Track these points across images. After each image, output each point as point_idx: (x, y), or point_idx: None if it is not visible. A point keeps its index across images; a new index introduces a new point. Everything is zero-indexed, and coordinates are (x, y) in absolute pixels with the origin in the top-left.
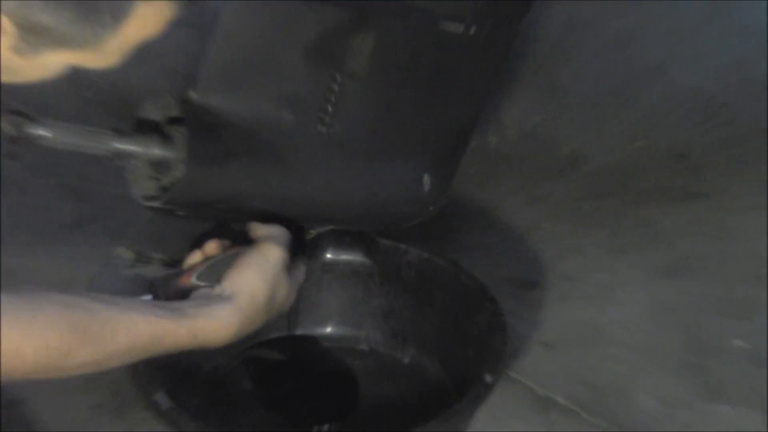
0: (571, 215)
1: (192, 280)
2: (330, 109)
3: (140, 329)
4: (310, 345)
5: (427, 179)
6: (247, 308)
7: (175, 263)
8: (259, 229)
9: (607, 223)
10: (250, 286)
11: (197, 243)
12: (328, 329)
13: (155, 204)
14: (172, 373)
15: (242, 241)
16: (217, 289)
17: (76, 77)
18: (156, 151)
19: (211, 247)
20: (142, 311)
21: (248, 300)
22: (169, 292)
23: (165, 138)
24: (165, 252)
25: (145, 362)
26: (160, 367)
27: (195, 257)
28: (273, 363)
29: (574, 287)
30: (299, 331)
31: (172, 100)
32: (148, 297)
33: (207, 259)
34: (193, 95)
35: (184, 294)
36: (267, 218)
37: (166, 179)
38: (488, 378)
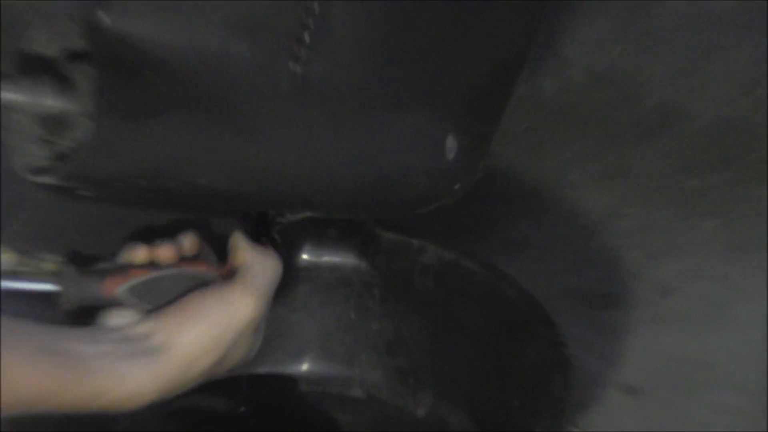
0: (665, 197)
1: (118, 290)
2: (307, 38)
3: (22, 382)
4: (277, 389)
5: (451, 143)
6: (178, 373)
7: (88, 261)
8: (242, 254)
9: (718, 208)
10: (193, 346)
11: (146, 235)
12: (305, 366)
13: (48, 179)
14: None
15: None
16: (144, 328)
17: None
18: (49, 101)
19: (168, 252)
20: (28, 353)
21: (183, 364)
22: (79, 297)
23: (62, 82)
24: (63, 251)
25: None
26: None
27: (138, 254)
28: (222, 415)
29: (670, 304)
30: (262, 369)
31: (72, 26)
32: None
33: (152, 266)
34: (104, 18)
35: (99, 305)
36: (214, 202)
37: (64, 143)
38: None
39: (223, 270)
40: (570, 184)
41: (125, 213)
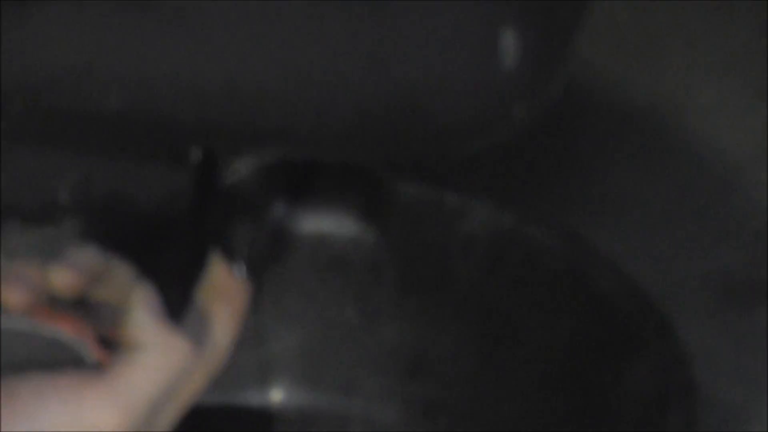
0: None
1: None
2: None
3: None
4: (238, 429)
5: (508, 40)
6: None
7: None
8: (136, 328)
9: None
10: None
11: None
12: (277, 396)
13: None
14: None
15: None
16: None
17: None
18: None
19: (66, 277)
20: None
21: None
22: None
23: None
24: None
25: None
26: None
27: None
28: None
29: None
30: (213, 399)
31: None
32: None
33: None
34: None
35: None
36: (132, 136)
37: None
38: None
39: (111, 338)
40: (701, 109)
41: None
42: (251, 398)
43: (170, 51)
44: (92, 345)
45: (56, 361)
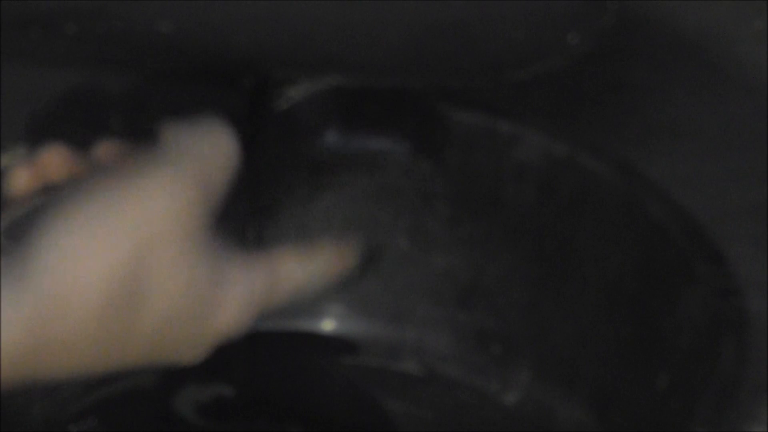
0: None
1: None
2: None
3: None
4: (286, 359)
5: None
6: (43, 314)
7: None
8: (168, 132)
9: None
10: (68, 272)
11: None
12: (328, 324)
13: None
14: None
15: None
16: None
17: None
18: None
19: (61, 161)
20: None
21: (49, 298)
22: None
23: None
24: None
25: None
26: None
27: (19, 174)
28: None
29: None
30: (264, 326)
31: None
32: None
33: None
34: None
35: None
36: (183, 61)
37: None
38: None
39: None
40: (754, 37)
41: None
42: (304, 325)
43: None
44: None
45: None
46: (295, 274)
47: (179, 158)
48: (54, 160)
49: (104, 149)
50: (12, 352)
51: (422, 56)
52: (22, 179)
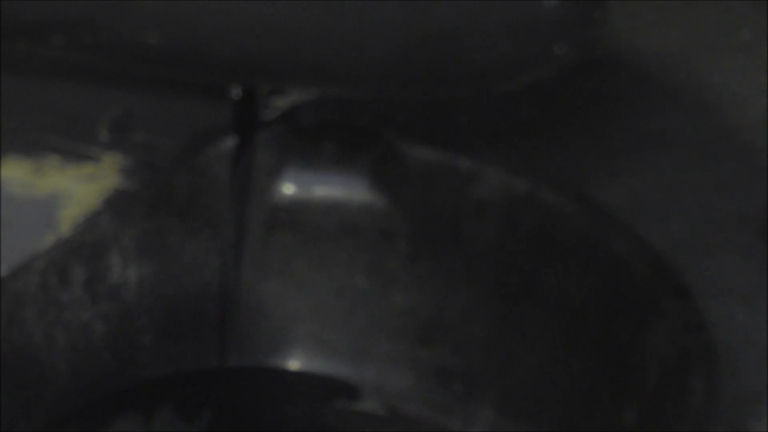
0: None
1: None
2: None
3: None
4: (248, 398)
5: None
6: None
7: None
8: None
9: None
10: None
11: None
12: (290, 363)
13: None
14: None
15: None
16: None
17: None
18: None
19: None
20: None
21: None
22: None
23: None
24: None
25: None
26: None
27: None
28: None
29: None
30: (226, 361)
31: None
32: None
33: None
34: None
35: None
36: (172, 72)
37: None
38: None
39: None
40: (739, 47)
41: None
42: (261, 363)
43: None
44: None
45: None
46: None
47: None
48: None
49: None
50: None
51: (409, 66)
52: None
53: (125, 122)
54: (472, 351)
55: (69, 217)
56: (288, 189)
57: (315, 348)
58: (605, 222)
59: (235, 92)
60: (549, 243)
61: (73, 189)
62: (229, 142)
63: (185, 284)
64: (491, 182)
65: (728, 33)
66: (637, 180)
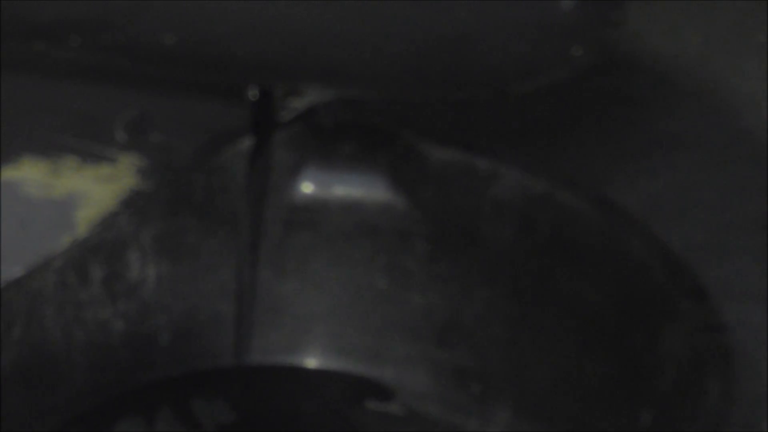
0: None
1: None
2: None
3: None
4: (273, 396)
5: None
6: None
7: None
8: None
9: None
10: None
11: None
12: (311, 362)
13: None
14: None
15: None
16: None
17: None
18: None
19: None
20: None
21: None
22: None
23: None
24: None
25: None
26: None
27: None
28: None
29: None
30: (251, 359)
31: None
32: None
33: None
34: None
35: None
36: (188, 72)
37: None
38: None
39: None
40: (756, 49)
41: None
42: (278, 362)
43: None
44: None
45: None
46: None
47: None
48: None
49: None
50: None
51: (425, 68)
52: None
53: (142, 123)
54: (490, 352)
55: (86, 218)
56: (307, 188)
57: (332, 347)
58: (622, 223)
59: (252, 93)
60: (566, 244)
61: (90, 190)
62: (248, 142)
63: (203, 283)
64: (509, 183)
65: (746, 35)
66: (654, 182)
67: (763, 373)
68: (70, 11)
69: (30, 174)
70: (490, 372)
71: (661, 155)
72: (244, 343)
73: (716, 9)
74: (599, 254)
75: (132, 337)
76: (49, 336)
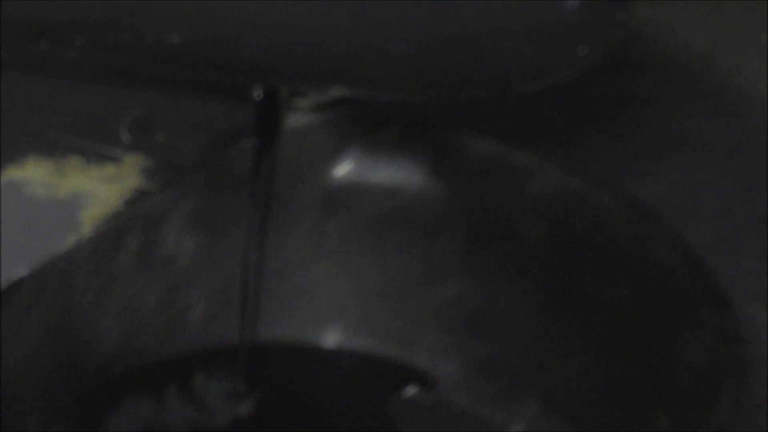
0: None
1: None
2: None
3: None
4: (302, 376)
5: None
6: None
7: None
8: None
9: None
10: None
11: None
12: (342, 345)
13: None
14: None
15: None
16: None
17: None
18: None
19: None
20: None
21: None
22: None
23: None
24: None
25: None
26: None
27: None
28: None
29: None
30: (278, 339)
31: None
32: None
33: None
34: None
35: None
36: (193, 73)
37: None
38: None
39: None
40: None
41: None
42: (309, 343)
43: None
44: None
45: None
46: None
47: None
48: None
49: None
50: None
51: (430, 69)
52: None
53: (147, 123)
54: (519, 346)
55: (91, 217)
56: (346, 171)
57: (364, 332)
58: (652, 226)
59: (257, 93)
60: (597, 244)
61: (94, 190)
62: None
63: (238, 260)
64: (545, 179)
65: (752, 34)
66: (661, 182)
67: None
68: (75, 11)
69: (35, 174)
70: (518, 366)
71: (667, 155)
72: (276, 322)
73: (722, 9)
74: (628, 256)
75: (164, 310)
76: (80, 302)
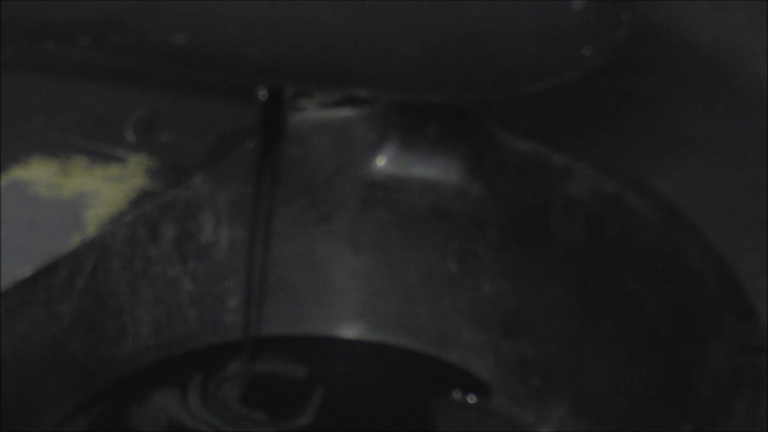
0: None
1: None
2: None
3: None
4: (336, 368)
5: None
6: None
7: None
8: None
9: None
10: None
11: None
12: (377, 338)
13: None
14: None
15: None
16: None
17: None
18: None
19: None
20: None
21: None
22: None
23: None
24: None
25: None
26: None
27: None
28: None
29: None
30: (316, 332)
31: None
32: None
33: None
34: None
35: None
36: (198, 73)
37: None
38: None
39: None
40: None
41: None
42: (344, 335)
43: None
44: None
45: None
46: None
47: None
48: None
49: None
50: None
51: (436, 69)
52: None
53: (151, 123)
54: (551, 347)
55: (95, 217)
56: (386, 165)
57: (400, 327)
58: (684, 233)
59: (262, 93)
60: (631, 248)
61: (99, 190)
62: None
63: (275, 250)
64: (582, 180)
65: (757, 35)
66: (666, 182)
67: None
68: (79, 11)
69: (39, 174)
70: (551, 367)
71: (672, 156)
72: (311, 314)
73: (727, 9)
74: (660, 261)
75: (200, 298)
76: (114, 289)
